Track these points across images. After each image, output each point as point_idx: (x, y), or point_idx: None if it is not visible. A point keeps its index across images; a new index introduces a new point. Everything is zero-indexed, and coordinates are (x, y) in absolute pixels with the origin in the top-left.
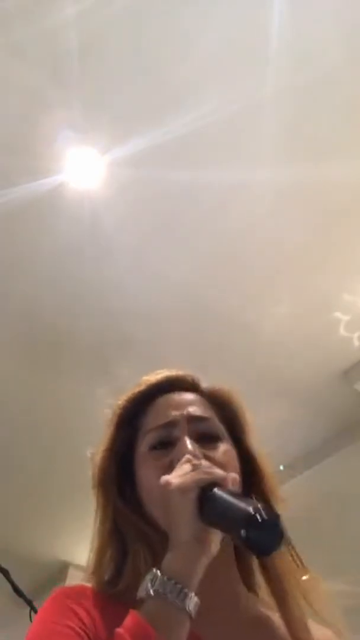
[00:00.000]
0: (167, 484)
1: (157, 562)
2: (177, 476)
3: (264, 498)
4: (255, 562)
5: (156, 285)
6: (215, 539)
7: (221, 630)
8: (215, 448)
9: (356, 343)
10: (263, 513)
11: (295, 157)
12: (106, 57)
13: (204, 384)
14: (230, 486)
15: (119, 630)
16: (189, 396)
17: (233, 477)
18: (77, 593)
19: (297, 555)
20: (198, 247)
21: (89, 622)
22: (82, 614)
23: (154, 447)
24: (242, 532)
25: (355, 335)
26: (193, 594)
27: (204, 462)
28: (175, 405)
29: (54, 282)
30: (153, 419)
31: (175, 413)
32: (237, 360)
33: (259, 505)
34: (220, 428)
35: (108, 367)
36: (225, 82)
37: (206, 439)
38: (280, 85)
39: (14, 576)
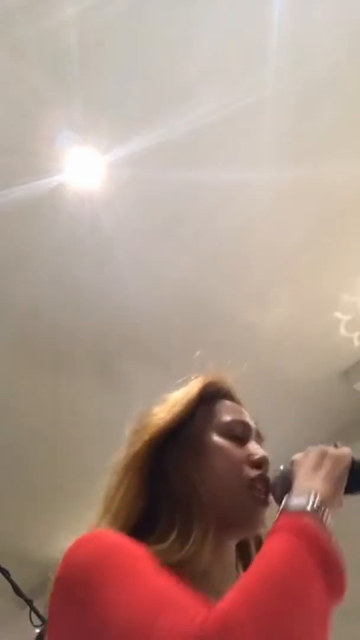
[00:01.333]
0: (325, 449)
1: (206, 537)
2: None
3: None
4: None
5: (156, 285)
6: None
7: (218, 594)
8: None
9: (356, 343)
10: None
11: (295, 157)
12: (106, 57)
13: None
14: None
15: (304, 521)
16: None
17: None
18: (114, 534)
19: None
20: (198, 247)
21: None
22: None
23: (231, 437)
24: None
25: (355, 335)
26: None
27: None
28: (244, 413)
29: (54, 282)
30: (230, 412)
31: (250, 421)
32: (236, 360)
33: None
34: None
35: (108, 366)
36: (225, 82)
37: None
38: (280, 85)
39: (14, 576)
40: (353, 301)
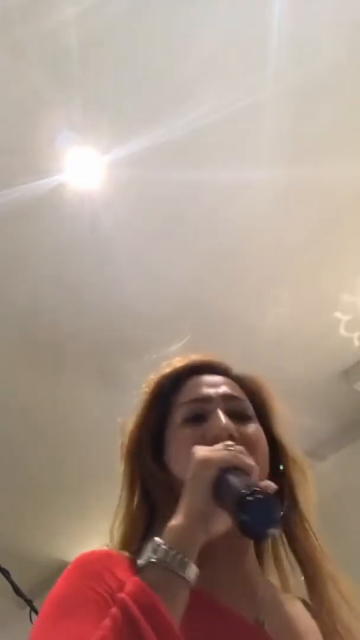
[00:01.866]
0: (194, 453)
1: None
2: (207, 450)
3: (293, 485)
4: (268, 549)
5: (156, 285)
6: (221, 520)
7: (240, 599)
8: (246, 425)
9: (356, 343)
10: (256, 494)
11: (295, 157)
12: (106, 57)
13: (235, 371)
14: (253, 476)
15: (121, 595)
16: (222, 378)
17: (267, 484)
18: (103, 556)
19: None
20: (198, 247)
21: (115, 586)
22: (108, 577)
23: (188, 420)
24: (236, 513)
25: (355, 335)
26: (193, 564)
27: (239, 447)
28: (210, 384)
29: (54, 282)
30: (187, 394)
31: (210, 390)
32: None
33: (257, 486)
34: (250, 409)
35: (108, 366)
36: (225, 82)
37: (238, 417)
38: (280, 85)
39: (14, 576)
40: (353, 301)
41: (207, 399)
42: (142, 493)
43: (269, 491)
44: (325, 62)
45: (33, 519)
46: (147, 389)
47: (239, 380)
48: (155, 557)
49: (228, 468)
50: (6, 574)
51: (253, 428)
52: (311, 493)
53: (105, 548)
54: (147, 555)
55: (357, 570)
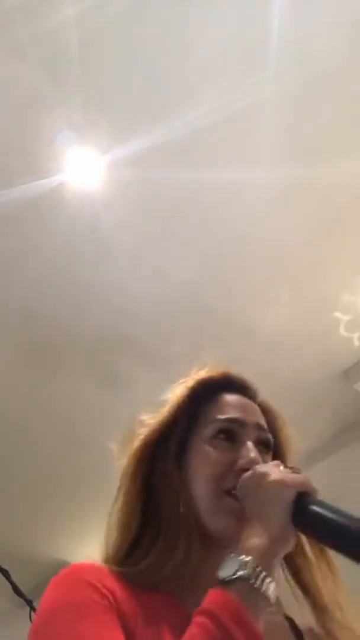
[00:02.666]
0: (265, 473)
1: (190, 547)
2: (280, 472)
3: None
4: None
5: (156, 285)
6: (294, 540)
7: None
8: (267, 456)
9: (356, 343)
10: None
11: (295, 157)
12: (106, 57)
13: (261, 397)
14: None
15: (208, 606)
16: (254, 405)
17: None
18: (93, 569)
19: (332, 564)
20: (198, 247)
21: (112, 599)
22: (104, 591)
23: (218, 438)
24: (353, 549)
25: (355, 335)
26: (274, 584)
27: (306, 476)
28: (246, 409)
29: (53, 282)
30: (223, 411)
31: (246, 416)
32: (236, 360)
33: (353, 517)
34: (271, 440)
35: (108, 367)
36: (225, 82)
37: (262, 447)
38: (281, 85)
39: (14, 576)
40: (353, 301)
41: (243, 424)
42: (143, 497)
43: None
44: (325, 62)
45: (33, 519)
46: (181, 391)
47: (262, 407)
48: (242, 572)
49: (302, 492)
50: (6, 574)
51: (271, 459)
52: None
53: (90, 561)
54: (233, 570)
55: (358, 570)
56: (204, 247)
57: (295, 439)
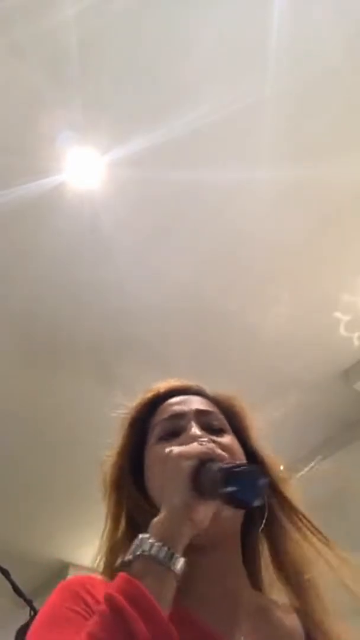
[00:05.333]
0: (168, 452)
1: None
2: (182, 447)
3: (274, 494)
4: (265, 558)
5: (156, 285)
6: (204, 511)
7: (220, 617)
8: (221, 437)
9: (356, 343)
10: (238, 467)
11: (295, 157)
12: (106, 57)
13: (209, 391)
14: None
15: (109, 591)
16: (195, 397)
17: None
18: (85, 581)
19: (318, 530)
20: (198, 247)
21: (93, 604)
22: (90, 600)
23: (162, 438)
24: (222, 487)
25: (355, 335)
26: (180, 556)
27: (211, 445)
28: (182, 402)
29: (53, 282)
30: (161, 414)
31: (183, 407)
32: (236, 360)
33: (236, 464)
34: (224, 422)
35: (108, 367)
36: (225, 82)
37: (212, 430)
38: (280, 85)
39: (14, 576)
40: (353, 301)
41: (180, 415)
42: (128, 521)
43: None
44: (324, 62)
45: (33, 520)
46: (124, 417)
47: (213, 400)
48: (140, 550)
49: (204, 460)
50: (6, 574)
51: (228, 439)
52: (294, 500)
53: (88, 574)
54: (132, 549)
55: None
56: (204, 247)
57: (249, 410)
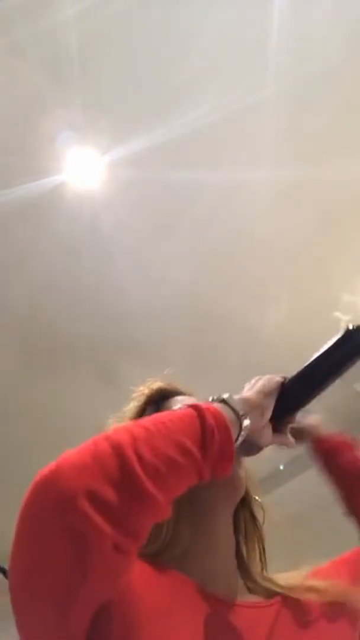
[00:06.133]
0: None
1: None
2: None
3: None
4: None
5: (156, 285)
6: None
7: (228, 586)
8: None
9: None
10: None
11: (295, 157)
12: (106, 57)
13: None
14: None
15: (198, 404)
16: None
17: None
18: None
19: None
20: (198, 247)
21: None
22: None
23: None
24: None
25: None
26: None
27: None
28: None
29: (53, 283)
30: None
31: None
32: (236, 361)
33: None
34: None
35: (107, 367)
36: (225, 82)
37: None
38: (280, 85)
39: None
40: (353, 301)
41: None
42: None
43: None
44: (325, 62)
45: None
46: (129, 413)
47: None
48: (225, 396)
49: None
50: (6, 574)
51: None
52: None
53: None
54: (219, 395)
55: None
56: (204, 247)
57: None
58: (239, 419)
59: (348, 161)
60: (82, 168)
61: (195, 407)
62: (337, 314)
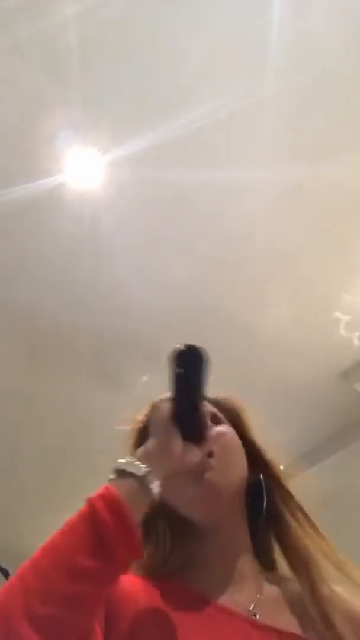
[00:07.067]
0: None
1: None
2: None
3: (275, 486)
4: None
5: (156, 285)
6: (178, 444)
7: (231, 595)
8: (218, 426)
9: (356, 343)
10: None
11: (295, 157)
12: (106, 57)
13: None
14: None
15: (90, 496)
16: None
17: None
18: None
19: (313, 524)
20: (198, 247)
21: (112, 593)
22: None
23: None
24: (175, 369)
25: (355, 335)
26: (156, 481)
27: None
28: None
29: (53, 282)
30: None
31: None
32: (236, 361)
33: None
34: (223, 419)
35: (108, 367)
36: (225, 82)
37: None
38: (280, 85)
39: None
40: (353, 301)
41: None
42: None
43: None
44: (325, 62)
45: (33, 519)
46: (132, 429)
47: (214, 402)
48: (121, 462)
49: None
50: (6, 574)
51: (224, 428)
52: (294, 495)
53: None
54: (117, 466)
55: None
56: (204, 247)
57: (248, 409)
58: (142, 478)
59: (348, 161)
60: (82, 168)
61: (88, 503)
62: (337, 314)
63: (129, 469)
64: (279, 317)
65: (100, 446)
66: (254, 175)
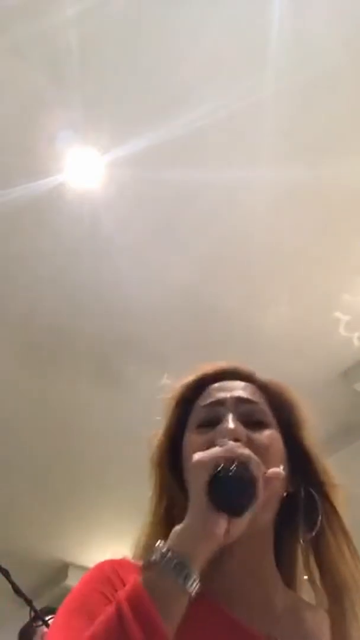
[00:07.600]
0: (192, 457)
1: None
2: (202, 452)
3: (319, 491)
4: (300, 557)
5: (156, 285)
6: (223, 524)
7: (252, 612)
8: (260, 431)
9: (356, 343)
10: (230, 470)
11: (295, 157)
12: (106, 57)
13: (260, 377)
14: (255, 467)
15: (119, 593)
16: (241, 383)
17: (274, 471)
18: (115, 563)
19: (353, 546)
20: (198, 247)
21: (121, 588)
22: (116, 581)
23: (200, 425)
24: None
25: (355, 335)
26: (192, 569)
27: (233, 443)
28: (226, 388)
29: (53, 282)
30: (204, 399)
31: (225, 394)
32: (236, 360)
33: (232, 465)
34: (268, 415)
35: (108, 366)
36: (225, 82)
37: (252, 423)
38: (280, 85)
39: (14, 576)
40: (353, 301)
41: (221, 402)
42: (167, 508)
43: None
44: (325, 62)
45: (33, 520)
46: (170, 397)
47: (262, 385)
48: (153, 558)
49: (226, 465)
50: (6, 574)
51: (267, 434)
52: (340, 502)
53: (124, 557)
54: (149, 556)
55: None
56: (204, 247)
57: (302, 404)
58: (174, 570)
59: (348, 161)
60: (82, 168)
61: (116, 608)
62: (337, 313)
63: (165, 569)
64: (279, 317)
65: (101, 447)
66: (254, 174)
